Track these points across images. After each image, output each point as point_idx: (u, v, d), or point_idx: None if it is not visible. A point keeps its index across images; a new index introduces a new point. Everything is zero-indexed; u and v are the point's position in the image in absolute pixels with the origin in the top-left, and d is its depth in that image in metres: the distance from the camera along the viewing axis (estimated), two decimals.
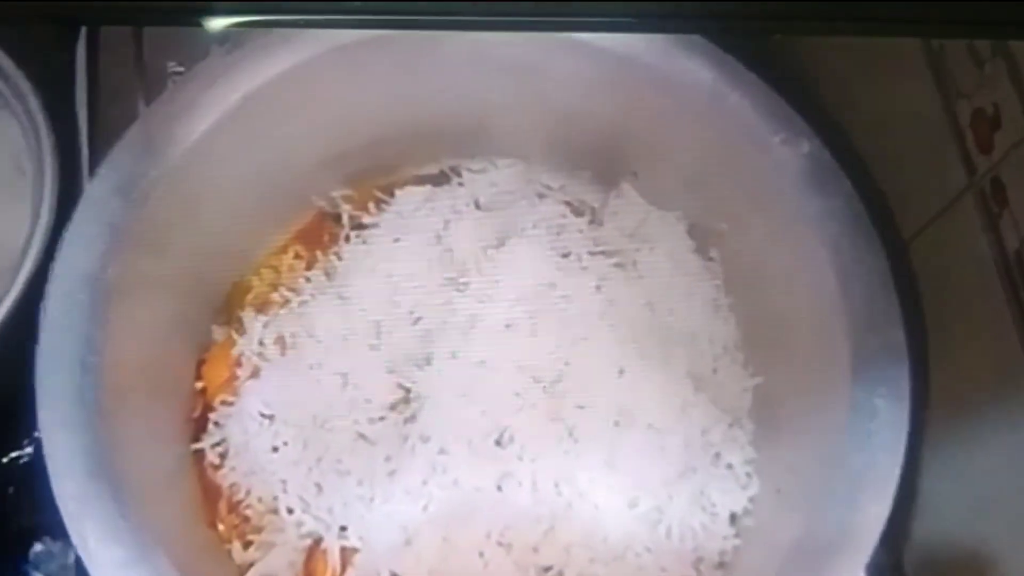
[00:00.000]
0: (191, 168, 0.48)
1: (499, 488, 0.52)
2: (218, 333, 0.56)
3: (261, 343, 0.54)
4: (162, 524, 0.45)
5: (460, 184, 0.60)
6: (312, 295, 0.56)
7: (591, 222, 0.60)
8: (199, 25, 0.31)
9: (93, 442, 0.42)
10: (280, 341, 0.55)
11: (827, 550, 0.46)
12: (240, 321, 0.56)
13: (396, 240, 0.57)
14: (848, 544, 0.45)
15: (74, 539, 0.41)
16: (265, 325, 0.55)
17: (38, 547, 0.56)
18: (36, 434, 0.62)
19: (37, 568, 0.57)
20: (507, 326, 0.55)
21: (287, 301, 0.56)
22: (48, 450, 0.42)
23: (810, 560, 0.46)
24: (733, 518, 0.54)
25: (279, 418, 0.53)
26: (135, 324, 0.47)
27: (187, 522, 0.50)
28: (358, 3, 0.30)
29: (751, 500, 0.54)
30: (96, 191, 0.45)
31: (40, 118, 0.54)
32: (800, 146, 0.49)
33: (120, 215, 0.45)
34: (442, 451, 0.52)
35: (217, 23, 0.30)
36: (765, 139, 0.50)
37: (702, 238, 0.59)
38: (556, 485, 0.52)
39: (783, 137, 0.50)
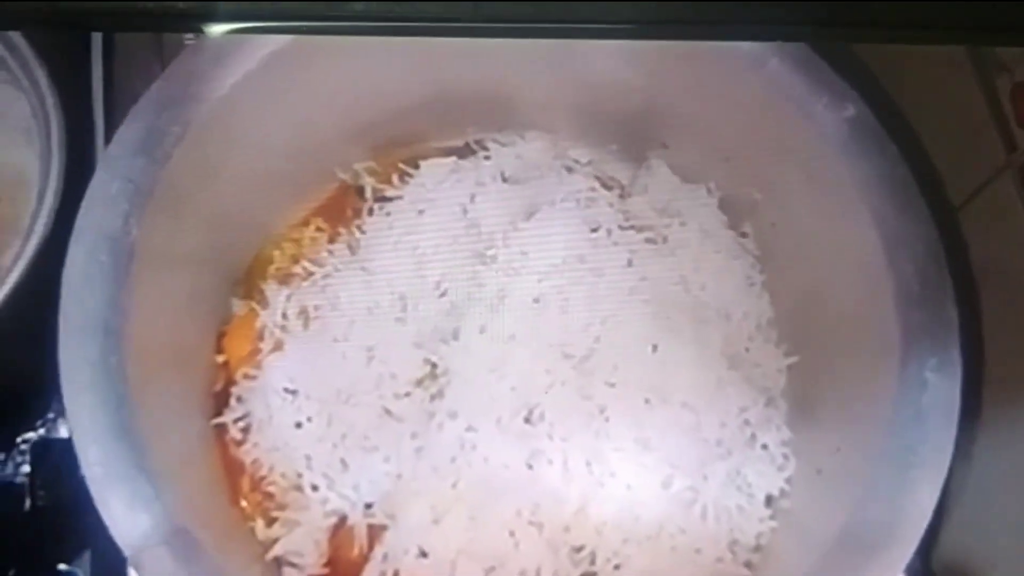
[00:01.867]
0: (213, 128, 0.47)
1: (529, 466, 0.50)
2: (238, 306, 0.55)
3: (284, 316, 0.53)
4: (184, 498, 0.43)
5: (486, 157, 0.59)
6: (336, 267, 0.54)
7: (621, 196, 0.59)
8: (200, 31, 0.30)
9: (117, 408, 0.41)
10: (303, 314, 0.53)
11: (876, 533, 0.44)
12: (262, 293, 0.54)
13: (420, 213, 0.56)
14: (900, 526, 0.43)
15: (99, 506, 0.39)
16: (288, 298, 0.54)
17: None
18: (50, 415, 0.62)
19: None
20: (536, 300, 0.53)
21: (310, 274, 0.55)
22: (72, 415, 0.40)
23: (858, 543, 0.44)
24: (769, 500, 0.52)
25: (303, 393, 0.51)
26: (156, 290, 0.45)
27: (209, 498, 0.49)
28: (360, 7, 0.30)
29: (787, 482, 0.52)
30: (118, 148, 0.44)
31: (48, 93, 0.53)
32: (844, 110, 0.48)
33: (142, 173, 0.43)
34: (470, 428, 0.50)
35: (217, 29, 0.30)
36: (807, 104, 0.49)
37: (735, 212, 0.58)
38: (587, 464, 0.51)
39: (826, 101, 0.48)
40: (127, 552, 0.39)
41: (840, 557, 0.45)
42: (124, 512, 0.39)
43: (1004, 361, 0.47)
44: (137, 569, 0.39)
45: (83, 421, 0.40)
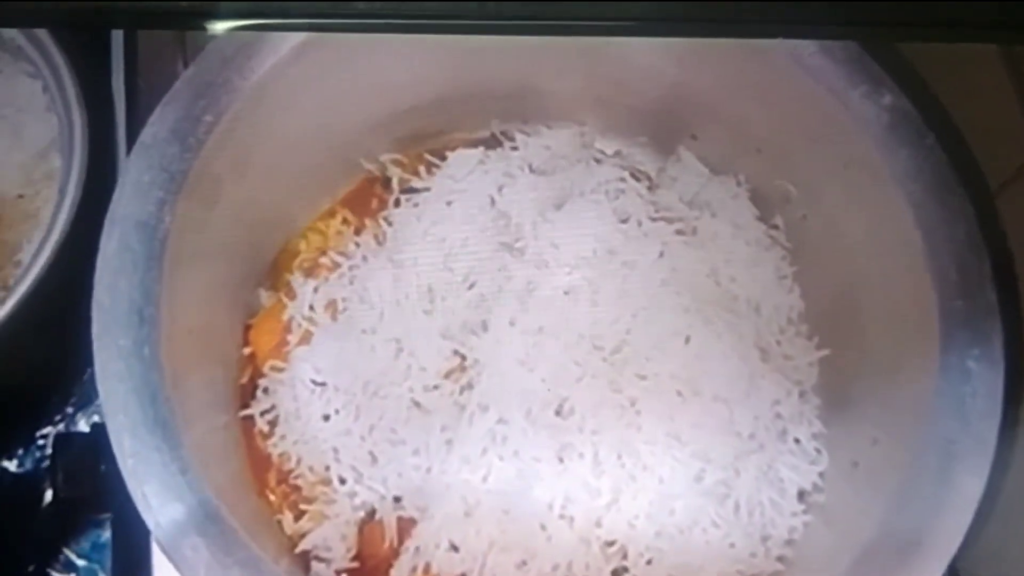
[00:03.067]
0: (244, 117, 0.46)
1: (560, 459, 0.50)
2: (265, 298, 0.54)
3: (311, 308, 0.53)
4: (215, 490, 0.42)
5: (513, 148, 0.58)
6: (364, 257, 0.54)
7: (649, 188, 0.58)
8: (203, 29, 0.30)
9: (152, 399, 0.40)
10: (331, 306, 0.53)
11: (916, 527, 0.43)
12: (289, 285, 0.54)
13: (448, 203, 0.55)
14: (941, 520, 0.42)
15: (134, 496, 0.39)
16: (315, 290, 0.53)
17: None
18: (68, 410, 0.62)
19: None
20: (566, 292, 0.53)
21: (337, 266, 0.54)
22: (106, 405, 0.40)
23: (897, 537, 0.43)
24: (802, 495, 0.51)
25: (331, 385, 0.51)
26: (186, 281, 0.45)
27: (237, 490, 0.48)
28: (364, 6, 0.29)
29: (821, 476, 0.51)
30: (152, 135, 0.43)
31: (70, 87, 0.53)
32: (882, 97, 0.47)
33: (176, 161, 0.43)
34: (501, 420, 0.50)
35: (220, 27, 0.30)
36: (844, 92, 0.48)
37: (766, 204, 0.57)
38: (619, 457, 0.50)
39: (863, 89, 0.47)
40: (161, 541, 0.39)
41: (878, 552, 0.44)
42: (159, 502, 0.39)
43: None
44: (172, 558, 0.38)
45: (117, 411, 0.40)
